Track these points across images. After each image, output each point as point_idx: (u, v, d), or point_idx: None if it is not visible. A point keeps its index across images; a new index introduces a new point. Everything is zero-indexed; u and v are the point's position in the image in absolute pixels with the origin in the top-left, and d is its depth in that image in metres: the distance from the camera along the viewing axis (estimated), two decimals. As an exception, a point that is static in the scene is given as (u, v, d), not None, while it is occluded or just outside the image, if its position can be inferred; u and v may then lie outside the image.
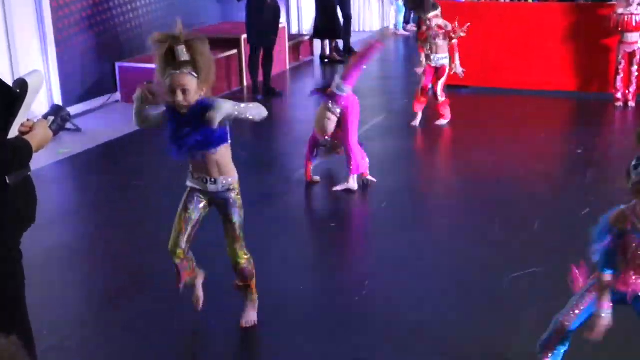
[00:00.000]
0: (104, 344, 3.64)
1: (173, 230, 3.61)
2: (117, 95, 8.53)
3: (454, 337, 3.67)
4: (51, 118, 2.53)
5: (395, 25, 13.87)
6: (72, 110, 7.67)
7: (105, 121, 7.79)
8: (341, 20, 11.02)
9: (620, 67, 7.96)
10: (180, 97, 3.27)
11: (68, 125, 7.13)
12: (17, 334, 1.46)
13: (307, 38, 11.38)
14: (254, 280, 3.69)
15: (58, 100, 7.62)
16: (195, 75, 3.28)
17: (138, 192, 5.86)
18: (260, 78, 8.80)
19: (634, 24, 7.73)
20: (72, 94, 7.92)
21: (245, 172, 6.14)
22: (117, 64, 8.45)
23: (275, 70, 9.17)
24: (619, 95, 8.02)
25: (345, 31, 11.17)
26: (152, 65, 3.38)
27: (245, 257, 3.61)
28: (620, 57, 7.94)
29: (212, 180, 3.48)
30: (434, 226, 5.22)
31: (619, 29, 7.82)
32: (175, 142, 3.40)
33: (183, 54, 3.23)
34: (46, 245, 4.66)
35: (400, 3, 13.76)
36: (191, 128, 3.33)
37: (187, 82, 3.26)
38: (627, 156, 6.95)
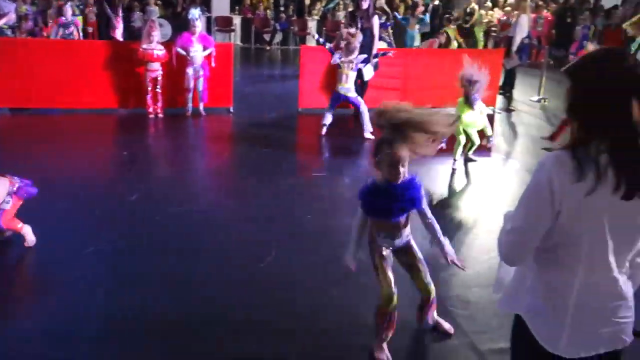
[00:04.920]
0: None
1: (388, 287, 3.07)
2: None
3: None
4: None
5: None
6: None
7: None
8: None
9: (149, 88, 8.27)
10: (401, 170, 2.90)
11: None
12: None
13: None
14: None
15: None
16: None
17: None
18: None
19: (154, 56, 8.12)
20: None
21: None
22: None
23: None
24: (150, 109, 8.34)
25: None
26: None
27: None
28: (147, 81, 8.24)
29: (399, 235, 3.10)
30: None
31: (145, 60, 8.14)
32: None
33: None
34: None
35: None
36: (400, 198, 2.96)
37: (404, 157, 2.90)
38: (160, 155, 7.30)
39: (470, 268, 4.18)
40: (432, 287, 3.24)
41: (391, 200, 2.95)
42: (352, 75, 7.47)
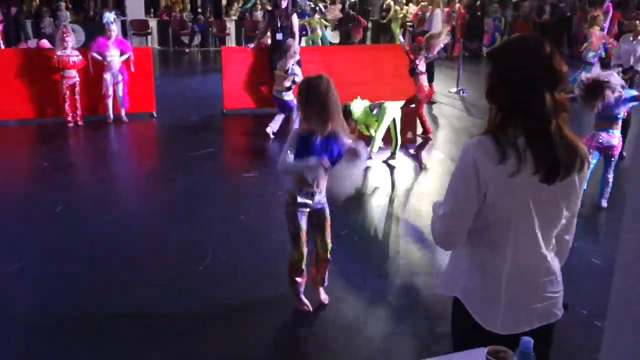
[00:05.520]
0: None
1: (300, 252, 3.36)
2: None
3: None
4: None
5: None
6: None
7: None
8: None
9: (66, 96, 7.95)
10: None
11: None
12: None
13: None
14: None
15: None
16: None
17: None
18: None
19: (71, 63, 7.83)
20: None
21: None
22: None
23: None
24: (69, 118, 8.03)
25: None
26: None
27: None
28: (65, 88, 7.93)
29: (318, 192, 3.27)
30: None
31: (61, 67, 7.83)
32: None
33: None
34: None
35: None
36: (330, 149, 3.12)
37: None
38: (84, 164, 7.08)
39: (406, 257, 4.29)
40: (330, 247, 3.48)
41: (322, 150, 3.12)
42: (287, 77, 7.41)
